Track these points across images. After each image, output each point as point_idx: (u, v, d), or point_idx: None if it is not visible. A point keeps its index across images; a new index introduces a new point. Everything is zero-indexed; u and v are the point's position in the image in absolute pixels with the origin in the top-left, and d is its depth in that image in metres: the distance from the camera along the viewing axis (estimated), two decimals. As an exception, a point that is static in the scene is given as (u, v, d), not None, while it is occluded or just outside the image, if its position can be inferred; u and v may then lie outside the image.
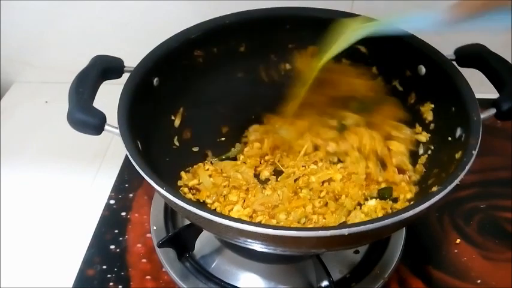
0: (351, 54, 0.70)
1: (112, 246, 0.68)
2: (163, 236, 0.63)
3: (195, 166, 0.65)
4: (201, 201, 0.61)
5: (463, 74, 0.58)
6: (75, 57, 0.66)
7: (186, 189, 0.62)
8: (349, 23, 0.58)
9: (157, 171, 0.53)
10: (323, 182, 0.64)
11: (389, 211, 0.60)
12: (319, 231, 0.46)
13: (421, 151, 0.63)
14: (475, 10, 0.46)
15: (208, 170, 0.64)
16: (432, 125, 0.63)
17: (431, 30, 0.50)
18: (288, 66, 0.71)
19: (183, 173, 0.63)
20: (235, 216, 0.58)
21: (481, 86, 0.58)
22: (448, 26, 0.48)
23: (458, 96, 0.57)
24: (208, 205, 0.61)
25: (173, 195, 0.48)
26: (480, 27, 0.46)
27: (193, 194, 0.62)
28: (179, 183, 0.62)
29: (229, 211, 0.60)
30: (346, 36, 0.58)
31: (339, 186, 0.63)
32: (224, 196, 0.62)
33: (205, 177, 0.62)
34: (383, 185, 0.64)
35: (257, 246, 0.51)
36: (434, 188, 0.49)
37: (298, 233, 0.45)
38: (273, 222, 0.58)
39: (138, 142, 0.55)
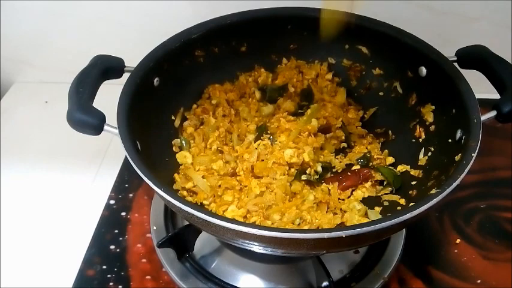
0: (352, 55, 0.71)
1: (112, 246, 0.68)
2: (163, 236, 0.63)
3: (183, 168, 0.64)
4: (199, 203, 0.61)
5: (464, 76, 0.58)
6: (75, 57, 0.66)
7: (184, 192, 0.61)
8: None
9: (156, 171, 0.53)
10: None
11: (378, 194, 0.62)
12: (317, 234, 0.46)
13: (421, 154, 0.63)
14: None
15: (199, 170, 0.63)
16: (432, 127, 0.63)
17: None
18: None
19: (176, 176, 0.63)
20: (230, 217, 0.58)
21: (482, 86, 0.58)
22: None
23: (459, 98, 0.57)
24: (206, 206, 0.61)
25: (170, 196, 0.48)
26: None
27: (191, 196, 0.62)
28: (175, 186, 0.62)
29: (223, 211, 0.60)
30: None
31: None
32: (220, 196, 0.61)
33: (199, 179, 0.61)
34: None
35: (255, 248, 0.51)
36: (434, 190, 0.49)
37: (296, 235, 0.45)
38: (268, 223, 0.58)
39: (138, 142, 0.55)
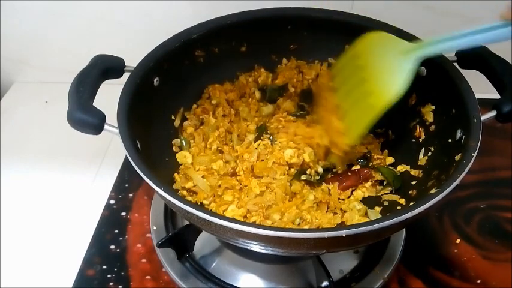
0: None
1: (112, 246, 0.68)
2: (163, 236, 0.63)
3: (183, 168, 0.64)
4: (199, 203, 0.61)
5: (464, 76, 0.58)
6: (75, 57, 0.66)
7: (184, 192, 0.61)
8: (389, 46, 0.55)
9: (156, 171, 0.53)
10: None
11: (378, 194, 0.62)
12: (317, 233, 0.46)
13: (421, 154, 0.63)
14: None
15: (199, 170, 0.63)
16: (433, 127, 0.63)
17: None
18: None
19: (176, 175, 0.63)
20: (229, 217, 0.58)
21: (482, 86, 0.58)
22: None
23: (459, 97, 0.57)
24: (206, 206, 0.61)
25: (171, 196, 0.48)
26: None
27: (191, 196, 0.62)
28: (175, 186, 0.62)
29: (223, 211, 0.60)
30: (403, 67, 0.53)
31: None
32: (220, 196, 0.61)
33: (199, 179, 0.61)
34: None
35: (256, 247, 0.51)
36: (434, 190, 0.49)
37: (296, 234, 0.45)
38: (268, 223, 0.58)
39: (138, 142, 0.55)
